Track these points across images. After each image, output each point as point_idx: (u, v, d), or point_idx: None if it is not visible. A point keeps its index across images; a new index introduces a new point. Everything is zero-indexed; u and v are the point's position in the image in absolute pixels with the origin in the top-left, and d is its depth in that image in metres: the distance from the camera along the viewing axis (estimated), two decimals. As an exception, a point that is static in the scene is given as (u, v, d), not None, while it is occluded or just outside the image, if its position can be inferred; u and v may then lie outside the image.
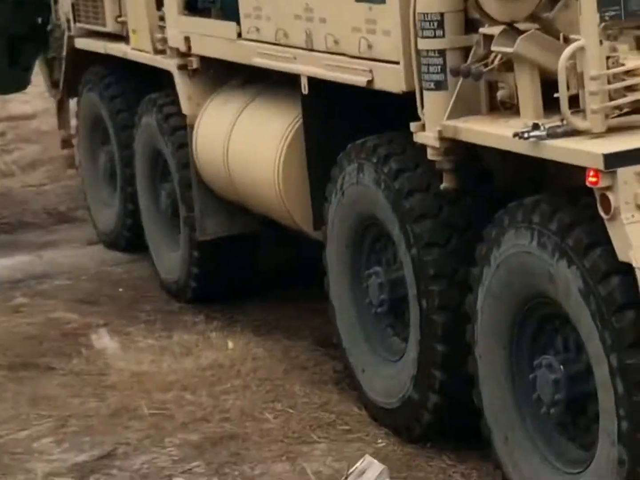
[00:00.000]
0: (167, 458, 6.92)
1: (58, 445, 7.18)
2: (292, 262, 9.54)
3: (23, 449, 7.15)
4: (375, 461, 5.32)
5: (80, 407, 7.67)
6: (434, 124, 6.11)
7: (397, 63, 6.40)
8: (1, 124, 17.12)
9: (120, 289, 9.93)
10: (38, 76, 20.96)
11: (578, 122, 5.31)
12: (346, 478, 5.31)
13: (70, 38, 10.80)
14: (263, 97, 8.25)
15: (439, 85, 6.10)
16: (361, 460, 5.35)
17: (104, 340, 8.78)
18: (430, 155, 6.19)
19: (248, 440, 7.05)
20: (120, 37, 9.96)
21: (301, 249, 8.84)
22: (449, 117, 6.04)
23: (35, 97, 18.90)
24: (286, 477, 6.60)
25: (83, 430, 7.34)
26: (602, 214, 5.14)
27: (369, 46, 6.64)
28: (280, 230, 8.52)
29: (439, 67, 6.08)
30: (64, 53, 11.09)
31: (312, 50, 7.23)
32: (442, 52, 6.07)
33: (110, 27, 9.99)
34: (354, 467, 5.32)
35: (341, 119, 7.22)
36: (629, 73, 5.29)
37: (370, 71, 6.63)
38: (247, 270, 9.28)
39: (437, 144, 6.10)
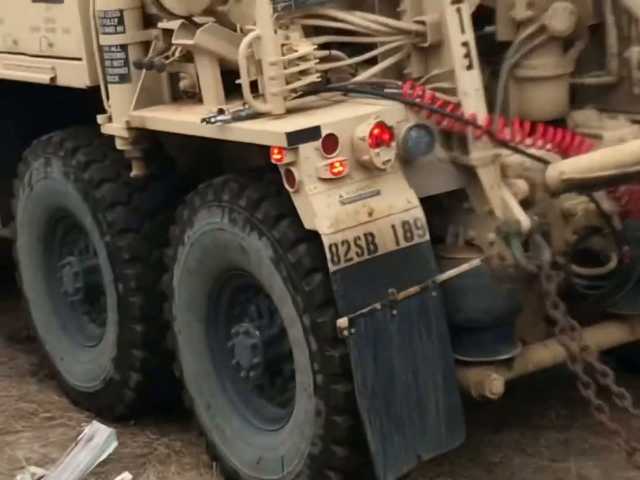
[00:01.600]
0: None
1: None
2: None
3: None
4: (103, 425, 5.42)
5: None
6: (120, 115, 6.22)
7: (80, 59, 6.48)
8: None
9: None
10: None
11: (260, 105, 5.53)
12: (76, 444, 5.36)
13: None
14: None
15: (123, 79, 6.20)
16: (89, 426, 5.43)
17: None
18: (119, 145, 6.30)
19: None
20: None
21: None
22: (135, 108, 6.16)
23: None
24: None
25: None
26: (287, 187, 5.35)
27: (50, 44, 6.69)
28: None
29: (122, 61, 6.18)
30: None
31: (-8, 50, 7.19)
32: (124, 47, 6.16)
33: None
34: (82, 434, 5.39)
35: (27, 117, 7.23)
36: (302, 58, 5.50)
37: (53, 68, 6.68)
38: None
39: (125, 134, 6.21)
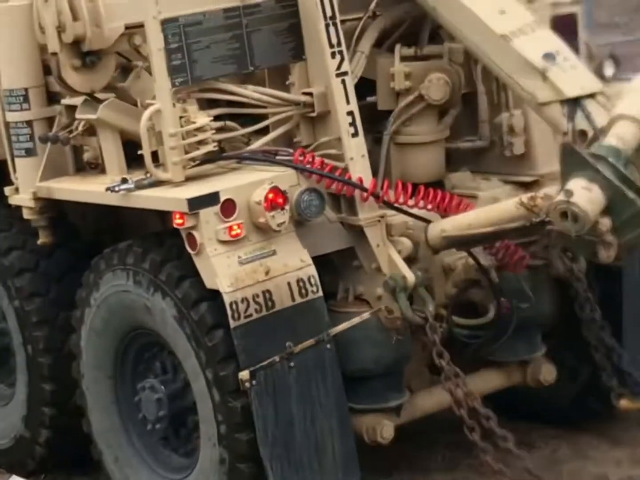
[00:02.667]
0: None
1: None
2: None
3: None
4: (19, 478, 5.36)
5: None
6: (27, 186, 6.19)
7: None
8: None
9: None
10: None
11: (161, 174, 5.56)
12: None
13: None
14: None
15: (30, 152, 6.17)
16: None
17: None
18: (26, 214, 6.27)
19: None
20: None
21: None
22: (41, 180, 6.13)
23: None
24: None
25: None
26: (189, 250, 5.39)
27: None
28: None
29: (28, 136, 6.15)
30: None
31: None
32: (29, 123, 6.14)
33: None
34: (2, 486, 5.33)
35: None
36: (199, 130, 5.55)
37: None
38: None
39: (32, 204, 6.17)
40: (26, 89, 6.15)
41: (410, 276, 5.73)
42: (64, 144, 6.12)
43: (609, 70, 6.75)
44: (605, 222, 4.84)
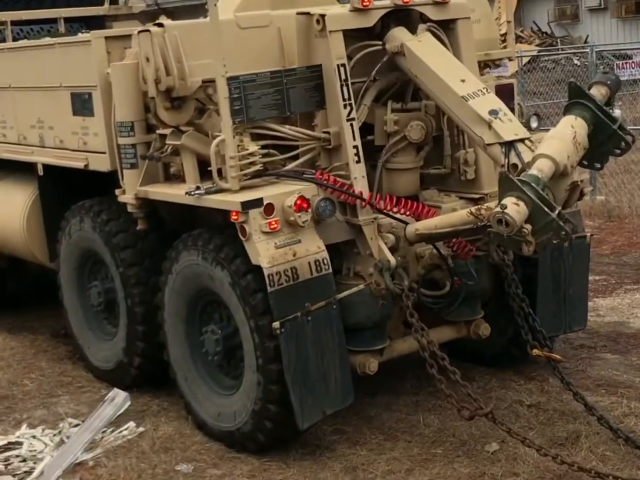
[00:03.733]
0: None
1: None
2: (31, 284, 9.07)
3: None
4: (121, 391, 5.35)
5: None
6: (131, 189, 6.15)
7: (104, 153, 6.38)
8: None
9: None
10: None
11: (223, 184, 5.52)
12: (102, 403, 5.27)
13: None
14: (9, 179, 7.91)
15: (133, 166, 6.12)
16: (112, 391, 5.35)
17: None
18: (130, 208, 6.23)
19: (16, 398, 6.86)
20: None
21: (37, 275, 8.47)
22: (141, 185, 6.09)
23: None
24: (45, 417, 6.47)
25: None
26: (241, 237, 5.36)
27: (84, 143, 6.58)
28: (23, 263, 8.23)
29: (133, 154, 6.10)
30: None
31: (44, 147, 7.06)
32: (134, 145, 6.09)
33: None
34: (107, 397, 5.31)
35: (65, 190, 7.06)
36: (250, 154, 5.52)
37: (86, 159, 6.58)
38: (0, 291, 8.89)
39: (134, 201, 6.14)
40: (132, 122, 6.09)
41: (392, 260, 5.68)
42: (157, 161, 6.08)
43: (534, 123, 6.71)
44: (528, 227, 4.80)
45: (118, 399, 5.13)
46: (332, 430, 6.00)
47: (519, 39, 31.79)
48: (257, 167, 5.58)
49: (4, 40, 9.07)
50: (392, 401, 6.38)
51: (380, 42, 5.93)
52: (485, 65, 6.88)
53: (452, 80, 5.63)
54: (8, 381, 7.19)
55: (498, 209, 4.82)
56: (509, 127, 5.38)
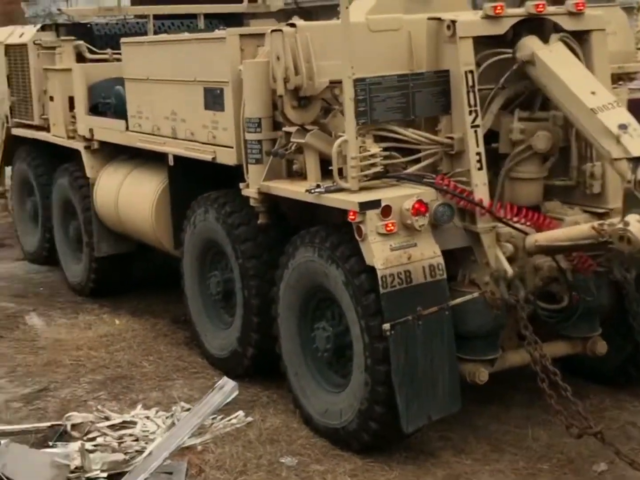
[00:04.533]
0: (82, 390, 6.88)
1: (11, 383, 7.08)
2: (156, 270, 9.44)
3: (-13, 386, 7.05)
4: (230, 380, 5.44)
5: (23, 360, 7.55)
6: (254, 184, 6.25)
7: (232, 147, 6.51)
8: (-51, 184, 16.53)
9: (41, 288, 9.75)
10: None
11: (343, 184, 5.56)
12: (212, 390, 5.37)
13: (9, 128, 10.57)
14: (141, 167, 8.20)
15: (258, 161, 6.21)
16: (221, 380, 5.45)
17: (33, 320, 8.62)
18: (252, 202, 6.33)
19: (134, 379, 7.04)
20: (43, 128, 9.73)
21: (162, 262, 8.77)
22: (264, 180, 6.18)
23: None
24: (159, 399, 6.62)
25: (26, 374, 7.24)
26: (357, 237, 5.38)
27: (214, 137, 6.72)
28: (150, 250, 8.48)
29: (258, 150, 6.19)
30: (3, 138, 10.82)
31: (176, 138, 7.23)
32: (259, 142, 6.18)
33: (36, 121, 9.79)
34: (216, 384, 5.41)
35: (193, 181, 7.22)
36: (372, 156, 5.55)
37: (214, 152, 6.71)
38: (126, 275, 9.18)
39: (256, 196, 6.24)
40: (260, 118, 6.18)
41: (509, 270, 5.62)
42: (281, 158, 6.15)
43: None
44: (651, 246, 4.65)
45: (227, 387, 5.22)
46: (438, 436, 5.97)
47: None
48: (378, 169, 5.60)
49: (145, 33, 9.40)
50: (500, 412, 6.30)
51: (510, 50, 5.85)
52: (618, 79, 6.70)
53: (582, 92, 5.52)
54: (128, 362, 7.43)
55: (621, 225, 4.71)
56: (638, 142, 5.23)
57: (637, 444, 5.75)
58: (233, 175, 6.58)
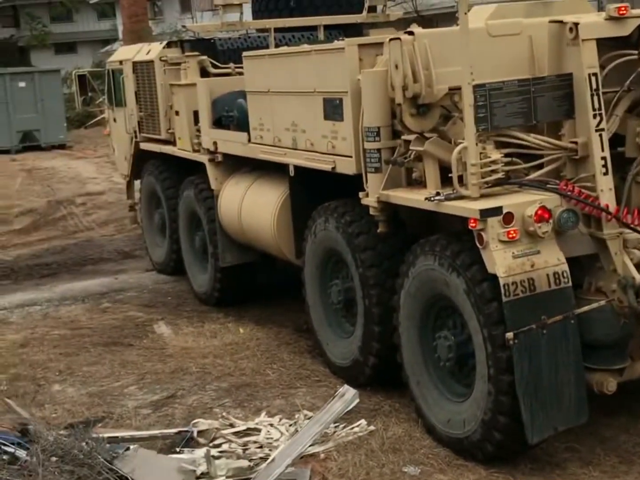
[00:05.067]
0: (208, 397, 7.00)
1: (140, 390, 7.28)
2: (279, 279, 9.50)
3: (118, 392, 7.24)
4: (350, 388, 5.46)
5: (152, 367, 7.76)
6: (374, 192, 6.25)
7: (351, 156, 6.53)
8: (83, 198, 17.25)
9: (169, 298, 10.01)
10: (103, 167, 21.16)
11: (463, 191, 5.52)
12: (333, 398, 5.39)
13: (137, 143, 10.90)
14: (263, 179, 8.32)
15: (377, 170, 6.21)
16: (343, 387, 5.48)
17: (162, 329, 8.85)
18: (372, 211, 6.33)
19: (258, 386, 7.15)
20: (169, 142, 9.99)
21: (284, 271, 8.82)
22: (383, 189, 6.17)
23: (104, 181, 19.12)
24: (282, 407, 6.70)
25: (155, 381, 7.43)
26: (478, 245, 5.33)
27: (333, 147, 6.76)
28: (273, 259, 8.58)
29: (377, 158, 6.19)
30: (132, 152, 11.17)
31: (296, 149, 7.30)
32: (379, 150, 6.18)
33: (163, 135, 10.06)
34: (337, 392, 5.44)
35: (314, 190, 7.26)
36: (493, 162, 5.48)
37: (334, 161, 6.74)
38: (250, 284, 9.31)
39: (376, 204, 6.24)
40: (379, 127, 6.18)
41: (638, 277, 5.46)
42: (400, 166, 6.13)
43: None
44: None
45: (347, 395, 5.24)
46: (564, 447, 5.83)
47: None
48: (499, 175, 5.53)
49: (267, 47, 9.54)
50: (630, 423, 6.11)
51: (635, 52, 5.69)
52: None
53: None
54: (252, 370, 7.53)
55: None
56: None
57: None
58: (353, 184, 6.59)
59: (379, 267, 6.51)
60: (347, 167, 6.62)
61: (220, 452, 5.90)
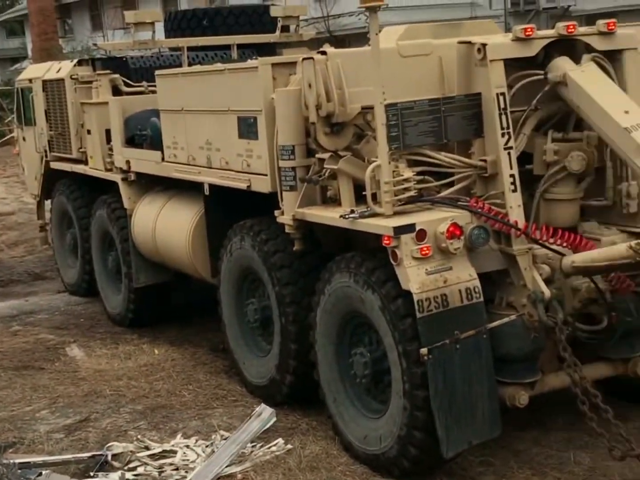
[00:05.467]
0: (123, 420, 6.91)
1: (52, 414, 7.13)
2: (195, 299, 9.47)
3: (30, 417, 7.09)
4: (267, 407, 5.45)
5: (64, 391, 7.62)
6: (289, 211, 6.26)
7: (266, 175, 6.53)
8: (-9, 219, 16.84)
9: (82, 319, 9.85)
10: (13, 187, 20.67)
11: (377, 208, 5.57)
12: (250, 417, 5.38)
13: (47, 162, 10.70)
14: (177, 198, 8.28)
15: (292, 188, 6.23)
16: (259, 407, 5.46)
17: (74, 351, 8.71)
18: (287, 229, 6.34)
19: (173, 408, 7.08)
20: (81, 161, 9.84)
21: (200, 291, 8.76)
22: (299, 207, 6.20)
23: (13, 201, 18.69)
24: (199, 428, 6.64)
25: (67, 405, 7.30)
26: (392, 262, 5.38)
27: (248, 165, 6.75)
28: (188, 279, 8.52)
29: (292, 177, 6.21)
30: (42, 172, 10.95)
31: (211, 168, 7.26)
32: (293, 169, 6.20)
33: (74, 154, 9.90)
34: (254, 411, 5.43)
35: (229, 209, 7.25)
36: (405, 180, 5.55)
37: (249, 180, 6.74)
38: (165, 304, 9.23)
39: (292, 222, 6.26)
40: (293, 146, 6.20)
41: (547, 292, 5.58)
42: (315, 184, 6.17)
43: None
44: (688, 266, 4.59)
45: (264, 414, 5.23)
46: (479, 461, 5.92)
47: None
48: (411, 193, 5.61)
49: (180, 65, 9.51)
50: (542, 436, 6.23)
51: (542, 72, 5.84)
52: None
53: (615, 111, 5.49)
54: (167, 391, 7.45)
55: (658, 244, 4.66)
56: None
57: (682, 467, 5.65)
58: (269, 202, 6.60)
59: (295, 285, 6.52)
60: (262, 185, 6.63)
61: (136, 475, 5.82)
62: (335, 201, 6.09)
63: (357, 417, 5.99)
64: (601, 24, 5.90)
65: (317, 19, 26.63)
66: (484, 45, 5.66)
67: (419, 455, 5.54)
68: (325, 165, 6.02)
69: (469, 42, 5.77)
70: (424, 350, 5.23)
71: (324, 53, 6.01)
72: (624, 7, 25.32)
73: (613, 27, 5.89)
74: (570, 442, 6.11)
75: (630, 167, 5.65)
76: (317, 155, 6.11)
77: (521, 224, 5.60)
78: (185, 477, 5.76)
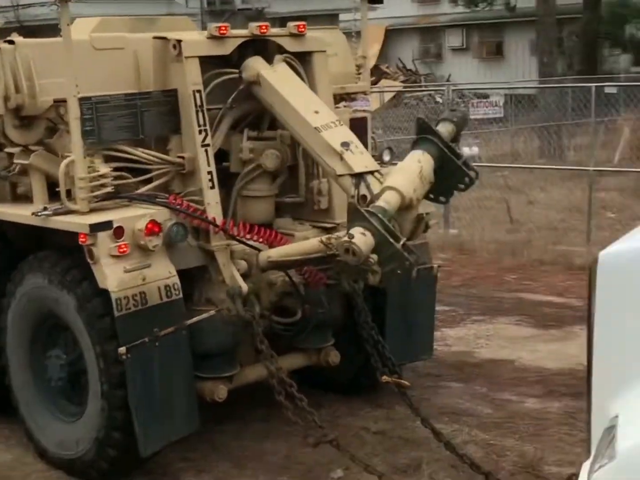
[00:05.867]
0: None
1: None
2: None
3: None
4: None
5: None
6: None
7: None
8: None
9: None
10: None
11: (72, 206, 5.42)
12: None
13: None
14: None
15: None
16: None
17: None
18: None
19: None
20: None
21: None
22: None
23: None
24: None
25: None
26: (89, 260, 5.25)
27: None
28: None
29: None
30: None
31: None
32: None
33: None
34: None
35: None
36: (102, 176, 5.44)
37: None
38: None
39: None
40: (-21, 140, 5.89)
41: (244, 287, 5.69)
42: (3, 180, 5.92)
43: (386, 157, 6.84)
44: (374, 257, 4.88)
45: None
46: (180, 458, 5.93)
47: (384, 74, 32.58)
48: (108, 190, 5.50)
49: None
50: (241, 429, 6.36)
51: (236, 71, 5.95)
52: (341, 99, 6.99)
53: (306, 111, 5.70)
54: None
55: (346, 238, 4.89)
56: (360, 159, 5.48)
57: (371, 449, 5.99)
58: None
59: (-19, 287, 6.17)
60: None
61: None
62: (27, 198, 5.86)
63: (52, 422, 5.82)
64: (292, 26, 6.10)
65: (6, 8, 25.43)
66: (179, 41, 5.66)
67: (117, 455, 5.47)
68: (14, 160, 5.78)
69: (165, 38, 5.76)
70: (122, 350, 5.17)
71: (12, 42, 5.74)
72: (315, 12, 26.51)
73: (303, 29, 6.11)
74: (268, 433, 6.27)
75: (321, 165, 5.88)
76: (5, 150, 5.86)
77: (219, 220, 5.67)
78: None
